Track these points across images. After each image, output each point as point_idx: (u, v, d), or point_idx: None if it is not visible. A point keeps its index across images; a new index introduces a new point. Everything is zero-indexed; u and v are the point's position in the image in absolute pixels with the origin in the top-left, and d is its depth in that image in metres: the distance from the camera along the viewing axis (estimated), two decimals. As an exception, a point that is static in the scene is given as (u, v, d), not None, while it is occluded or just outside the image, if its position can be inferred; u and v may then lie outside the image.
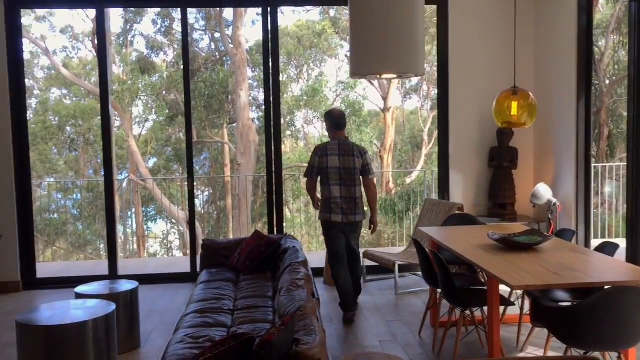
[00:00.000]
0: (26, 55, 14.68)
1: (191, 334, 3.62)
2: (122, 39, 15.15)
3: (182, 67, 6.37)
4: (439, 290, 4.24)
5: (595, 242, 5.54)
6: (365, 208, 5.26)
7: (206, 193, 16.29)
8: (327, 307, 5.36)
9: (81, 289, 4.50)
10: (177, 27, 14.48)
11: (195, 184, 14.46)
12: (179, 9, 6.27)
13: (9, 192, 5.95)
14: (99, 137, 14.50)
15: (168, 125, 15.89)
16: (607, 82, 12.05)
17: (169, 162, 16.25)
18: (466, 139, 6.26)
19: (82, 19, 15.11)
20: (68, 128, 15.69)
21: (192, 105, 14.28)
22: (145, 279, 6.30)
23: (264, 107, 6.29)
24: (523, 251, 3.96)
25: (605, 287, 3.19)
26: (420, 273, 5.54)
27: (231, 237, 13.71)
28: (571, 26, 5.49)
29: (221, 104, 15.14)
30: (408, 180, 14.57)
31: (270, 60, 6.17)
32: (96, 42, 6.18)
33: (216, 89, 14.56)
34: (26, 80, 14.92)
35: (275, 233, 6.21)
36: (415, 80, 15.93)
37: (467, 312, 4.11)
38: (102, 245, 14.51)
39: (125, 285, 4.58)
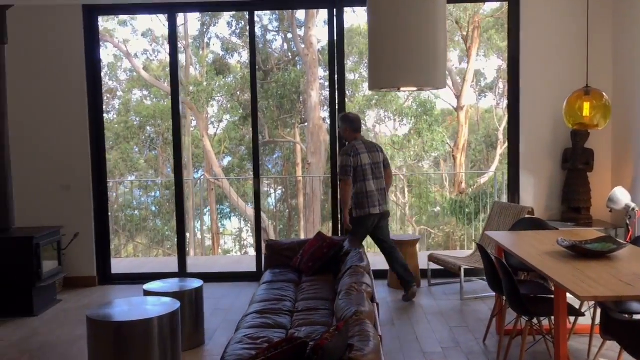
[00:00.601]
0: (110, 59, 15.31)
1: (250, 334, 3.66)
2: (199, 41, 15.55)
3: (254, 68, 6.43)
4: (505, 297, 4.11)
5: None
6: None
7: (278, 191, 16.48)
8: (389, 311, 5.31)
9: (149, 286, 4.65)
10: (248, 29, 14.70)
11: (267, 182, 14.63)
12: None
13: (87, 192, 6.22)
14: (184, 136, 14.98)
15: (242, 125, 16.18)
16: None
17: (243, 160, 16.55)
18: (538, 139, 6.04)
19: (163, 24, 15.59)
20: (148, 128, 16.24)
21: (265, 105, 14.55)
22: (213, 277, 6.47)
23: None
24: (595, 259, 3.77)
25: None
26: (487, 278, 5.39)
27: (302, 236, 13.83)
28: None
29: (293, 104, 15.28)
30: (482, 181, 14.23)
31: (336, 61, 6.16)
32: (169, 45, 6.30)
33: (288, 88, 14.70)
34: (110, 82, 15.60)
35: (340, 235, 6.19)
36: (490, 77, 15.55)
37: (535, 320, 3.96)
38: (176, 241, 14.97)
39: (191, 284, 4.69)
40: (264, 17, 14.81)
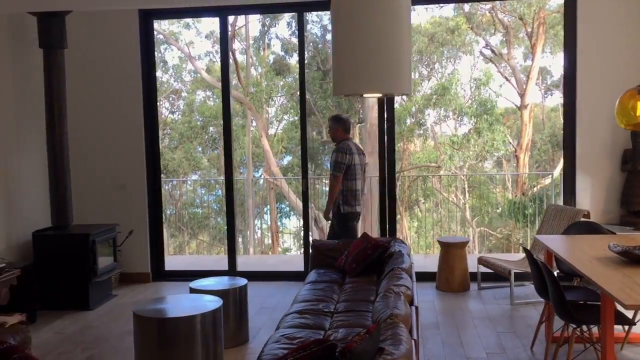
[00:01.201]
0: (175, 61, 15.72)
1: (288, 334, 3.68)
2: (259, 42, 15.75)
3: (303, 69, 6.47)
4: (552, 304, 3.97)
5: None
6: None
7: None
8: (436, 314, 5.23)
9: (195, 284, 4.74)
10: (311, 29, 14.79)
11: (326, 181, 14.61)
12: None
13: (142, 190, 6.42)
14: (239, 136, 15.24)
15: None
16: None
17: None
18: (596, 139, 5.80)
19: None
20: (211, 128, 16.59)
21: (323, 105, 14.59)
22: (262, 276, 6.56)
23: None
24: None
25: None
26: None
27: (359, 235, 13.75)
28: None
29: (350, 104, 15.27)
30: (547, 182, 13.79)
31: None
32: (222, 46, 6.42)
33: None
34: (175, 84, 16.00)
35: (388, 236, 6.14)
36: (557, 75, 15.06)
37: (584, 328, 3.81)
38: (240, 239, 15.25)
39: (235, 282, 4.76)
40: (324, 17, 14.85)
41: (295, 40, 15.47)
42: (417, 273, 6.27)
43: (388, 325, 3.12)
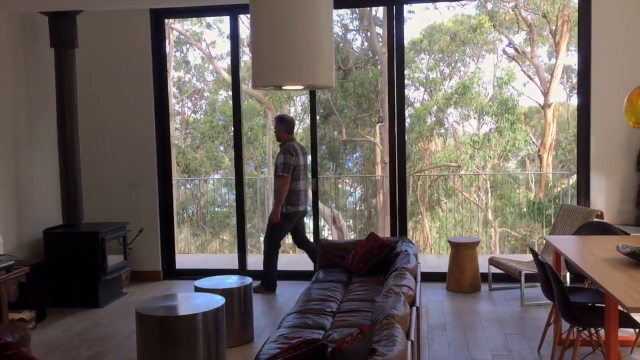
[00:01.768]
0: (198, 60, 15.83)
1: (287, 334, 3.66)
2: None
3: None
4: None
5: None
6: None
7: (359, 190, 16.44)
8: (444, 315, 5.16)
9: (200, 282, 4.75)
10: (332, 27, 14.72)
11: (348, 181, 14.58)
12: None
13: (153, 189, 6.45)
14: (259, 136, 15.28)
15: (322, 124, 16.26)
16: None
17: (323, 159, 16.62)
18: (611, 139, 5.67)
19: (246, 25, 15.93)
20: (232, 128, 16.63)
21: (342, 104, 14.55)
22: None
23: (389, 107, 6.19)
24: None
25: None
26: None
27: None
28: None
29: (370, 103, 15.19)
30: (571, 182, 13.54)
31: (395, 60, 6.06)
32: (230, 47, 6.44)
33: (365, 87, 14.63)
34: (197, 84, 16.10)
35: (398, 235, 6.09)
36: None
37: (593, 330, 3.72)
38: (261, 238, 15.27)
39: (240, 281, 4.75)
40: (345, 16, 14.82)
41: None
42: (428, 273, 6.26)
43: (384, 325, 3.08)
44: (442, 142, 15.70)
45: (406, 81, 15.04)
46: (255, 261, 7.23)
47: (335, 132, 15.51)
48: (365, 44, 15.75)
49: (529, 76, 13.89)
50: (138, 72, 6.38)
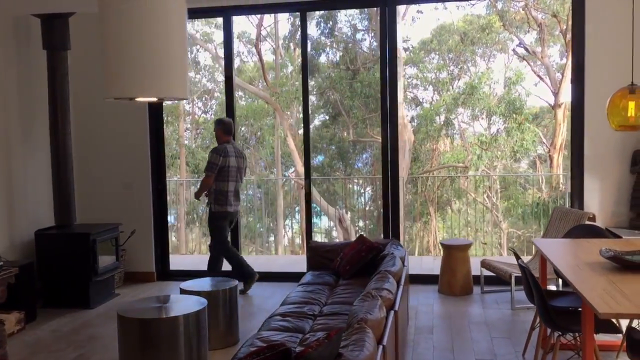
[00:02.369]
0: (208, 61, 15.89)
1: (265, 337, 3.65)
2: (287, 42, 15.75)
3: (306, 71, 6.42)
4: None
5: None
6: None
7: (369, 190, 16.39)
8: (432, 318, 5.12)
9: (185, 284, 4.75)
10: (341, 28, 14.71)
11: (358, 181, 14.55)
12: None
13: (147, 190, 6.47)
14: (265, 136, 15.29)
15: (331, 124, 16.24)
16: None
17: (333, 159, 16.60)
18: (604, 140, 5.58)
19: (253, 25, 15.95)
20: (243, 128, 16.68)
21: (349, 104, 14.51)
22: (269, 276, 6.54)
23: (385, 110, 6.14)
24: (640, 272, 3.44)
25: None
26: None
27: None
28: None
29: (377, 103, 15.13)
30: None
31: (388, 60, 6.02)
32: (225, 47, 6.44)
33: (373, 87, 14.58)
34: (208, 84, 16.15)
35: (391, 237, 6.05)
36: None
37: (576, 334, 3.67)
38: (270, 239, 15.30)
39: (225, 284, 4.74)
40: (355, 16, 14.79)
41: (324, 39, 15.43)
42: (421, 276, 6.23)
43: (354, 330, 3.06)
44: (450, 143, 15.62)
45: (415, 81, 15.04)
46: (251, 262, 7.23)
47: (346, 133, 15.49)
48: (374, 43, 15.70)
49: (539, 76, 13.77)
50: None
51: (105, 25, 3.04)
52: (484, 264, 5.66)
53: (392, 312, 3.67)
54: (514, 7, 13.70)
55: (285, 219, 14.98)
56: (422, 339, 4.63)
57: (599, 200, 5.66)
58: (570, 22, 11.85)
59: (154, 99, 3.01)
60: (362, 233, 14.66)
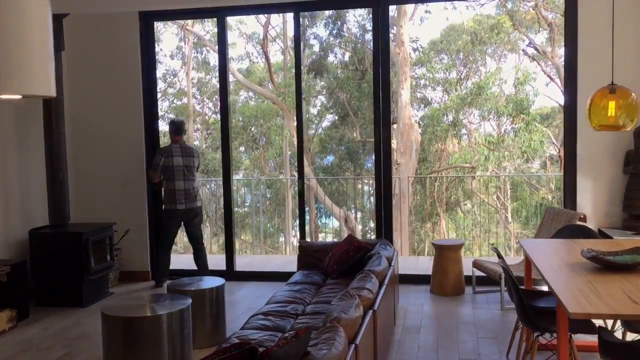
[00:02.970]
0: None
1: (243, 335, 3.67)
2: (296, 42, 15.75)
3: (299, 70, 6.44)
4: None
5: None
6: None
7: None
8: (421, 318, 5.11)
9: (173, 283, 4.78)
10: (349, 29, 14.72)
11: (368, 181, 14.54)
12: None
13: (142, 190, 6.51)
14: (277, 136, 15.34)
15: (340, 124, 16.24)
16: None
17: (342, 160, 16.61)
18: (597, 140, 5.53)
19: (260, 24, 15.99)
20: (253, 129, 16.75)
21: (357, 105, 14.50)
22: (263, 276, 6.56)
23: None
24: (621, 272, 3.41)
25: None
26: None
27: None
28: None
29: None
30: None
31: (381, 61, 6.02)
32: (218, 47, 6.46)
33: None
34: (217, 84, 16.23)
35: (383, 237, 6.04)
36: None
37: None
38: (281, 239, 15.33)
39: (212, 283, 4.77)
40: (365, 16, 14.77)
41: (332, 39, 15.43)
42: (415, 276, 6.21)
43: (326, 329, 3.06)
44: (458, 143, 15.56)
45: (423, 81, 14.99)
46: (247, 262, 7.28)
47: (354, 133, 15.50)
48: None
49: (549, 76, 13.68)
50: (128, 73, 6.43)
51: None
52: (476, 264, 5.63)
53: (370, 312, 3.67)
54: (524, 6, 13.63)
55: (295, 219, 14.97)
56: (408, 338, 4.62)
57: (592, 201, 5.62)
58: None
59: (17, 97, 2.98)
60: (367, 232, 14.68)
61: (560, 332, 3.18)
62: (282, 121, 15.82)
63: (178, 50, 16.31)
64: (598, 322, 3.94)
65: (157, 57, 15.13)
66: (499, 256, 3.97)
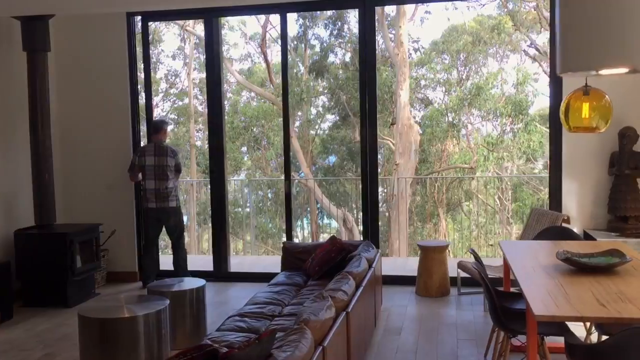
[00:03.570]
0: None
1: (215, 337, 3.67)
2: (296, 43, 15.77)
3: (285, 70, 6.44)
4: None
5: None
6: None
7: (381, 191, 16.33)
8: (403, 319, 5.10)
9: (152, 284, 4.79)
10: (350, 29, 14.69)
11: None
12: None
13: (129, 190, 6.51)
14: (274, 136, 15.34)
15: (342, 125, 16.23)
16: None
17: (343, 160, 16.59)
18: (583, 141, 5.51)
19: (261, 24, 16.00)
20: (255, 129, 16.76)
21: (357, 106, 14.46)
22: (250, 277, 6.56)
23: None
24: (595, 274, 3.39)
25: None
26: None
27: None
28: None
29: (384, 105, 15.10)
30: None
31: (367, 61, 6.01)
32: (209, 49, 6.47)
33: (380, 89, 14.54)
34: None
35: (370, 238, 6.03)
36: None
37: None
38: (283, 239, 15.29)
39: (193, 284, 4.77)
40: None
41: (333, 40, 15.42)
42: (400, 277, 6.19)
43: (293, 331, 3.06)
44: (457, 144, 15.52)
45: (424, 82, 14.96)
46: (237, 263, 7.27)
47: (355, 134, 15.48)
48: (383, 45, 15.66)
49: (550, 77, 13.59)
50: (115, 74, 6.44)
51: None
52: (460, 266, 5.61)
53: (343, 314, 3.66)
54: (525, 7, 13.58)
55: (296, 219, 14.97)
56: (387, 340, 4.61)
57: (578, 203, 5.59)
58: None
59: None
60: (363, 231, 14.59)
61: (529, 334, 3.16)
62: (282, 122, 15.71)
63: (179, 51, 16.33)
64: (578, 325, 3.93)
65: (159, 57, 15.21)
66: (476, 258, 3.96)
